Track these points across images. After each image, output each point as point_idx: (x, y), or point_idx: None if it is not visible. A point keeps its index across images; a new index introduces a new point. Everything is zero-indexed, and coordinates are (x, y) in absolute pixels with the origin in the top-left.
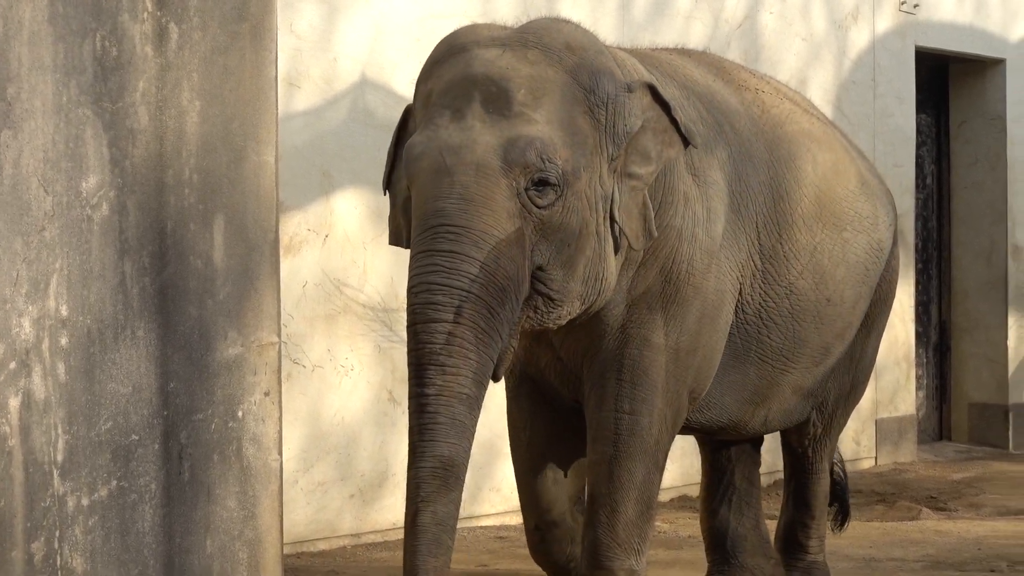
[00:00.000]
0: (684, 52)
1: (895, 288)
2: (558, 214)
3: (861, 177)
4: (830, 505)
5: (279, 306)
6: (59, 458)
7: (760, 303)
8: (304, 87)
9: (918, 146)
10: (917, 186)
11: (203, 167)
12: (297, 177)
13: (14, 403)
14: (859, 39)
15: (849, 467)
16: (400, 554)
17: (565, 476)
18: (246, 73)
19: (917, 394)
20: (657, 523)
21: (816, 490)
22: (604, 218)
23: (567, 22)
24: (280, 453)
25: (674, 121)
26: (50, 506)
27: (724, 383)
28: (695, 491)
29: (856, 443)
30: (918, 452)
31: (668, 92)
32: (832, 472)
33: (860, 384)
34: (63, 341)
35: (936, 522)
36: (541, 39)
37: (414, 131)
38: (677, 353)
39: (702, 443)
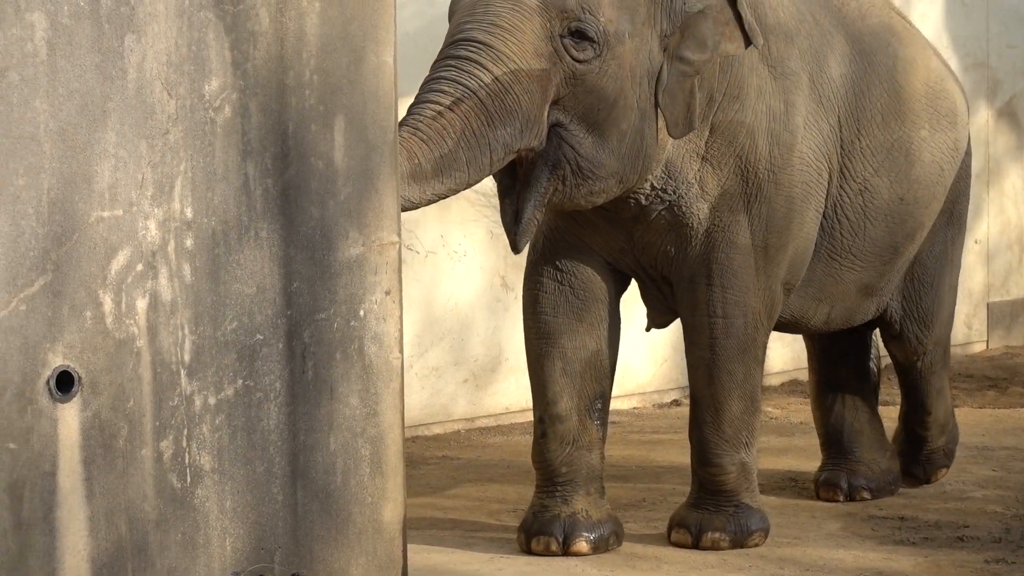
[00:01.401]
0: None
1: (970, 184)
2: (594, 74)
3: (940, 74)
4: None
5: (399, 206)
6: (186, 358)
7: (836, 199)
8: None
9: None
10: None
11: (323, 68)
12: (410, 65)
13: (141, 304)
14: None
15: (959, 351)
16: (513, 438)
17: (577, 369)
18: None
19: None
20: (768, 408)
21: (929, 388)
22: (648, 96)
23: None
24: (401, 351)
25: (739, 16)
26: (178, 405)
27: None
28: (805, 375)
29: (967, 327)
30: None
31: None
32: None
33: (953, 294)
34: (188, 243)
35: None
36: None
37: None
38: (766, 250)
39: (808, 337)
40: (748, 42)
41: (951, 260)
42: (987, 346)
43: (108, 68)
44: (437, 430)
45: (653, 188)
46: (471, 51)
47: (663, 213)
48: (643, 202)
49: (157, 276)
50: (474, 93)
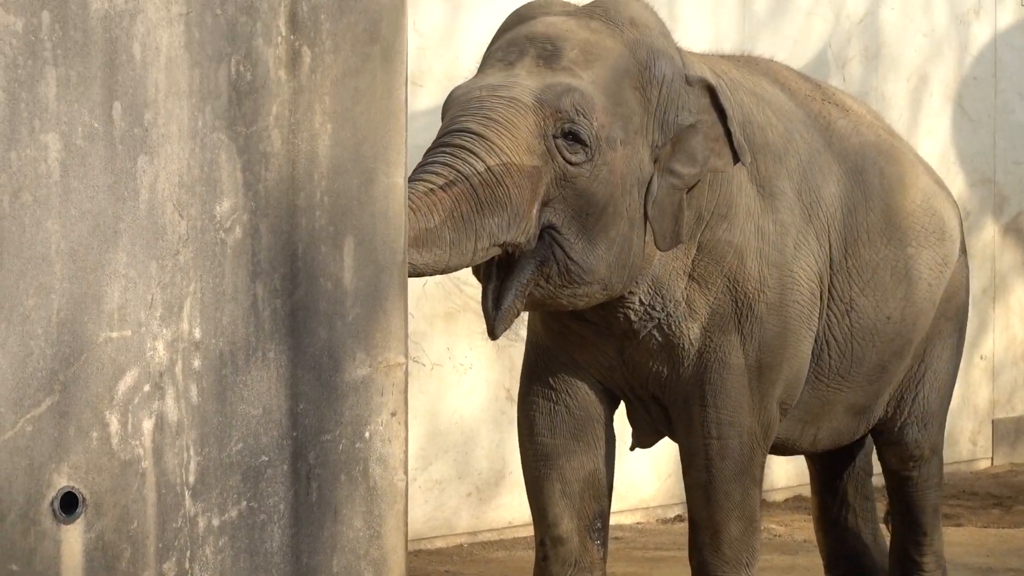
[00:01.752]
0: (751, 60)
1: (967, 299)
2: (584, 177)
3: (927, 190)
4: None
5: (406, 327)
6: (191, 479)
7: (824, 320)
8: (427, 85)
9: None
10: None
11: (334, 189)
12: None
13: (148, 425)
14: (980, 34)
15: (964, 468)
16: (516, 553)
17: (576, 490)
18: (377, 95)
19: None
20: (772, 525)
21: (925, 504)
22: (638, 206)
23: (638, 1)
24: (406, 473)
25: (728, 132)
26: (182, 527)
27: None
28: (808, 490)
29: (972, 443)
30: None
31: (729, 100)
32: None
33: (948, 402)
34: (196, 363)
35: None
36: (607, 11)
37: None
38: (760, 370)
39: (808, 457)
40: (736, 159)
41: (955, 369)
42: (992, 463)
43: (120, 189)
44: (440, 544)
45: (641, 303)
46: (465, 140)
47: (653, 332)
48: (632, 318)
49: (164, 397)
50: (467, 179)
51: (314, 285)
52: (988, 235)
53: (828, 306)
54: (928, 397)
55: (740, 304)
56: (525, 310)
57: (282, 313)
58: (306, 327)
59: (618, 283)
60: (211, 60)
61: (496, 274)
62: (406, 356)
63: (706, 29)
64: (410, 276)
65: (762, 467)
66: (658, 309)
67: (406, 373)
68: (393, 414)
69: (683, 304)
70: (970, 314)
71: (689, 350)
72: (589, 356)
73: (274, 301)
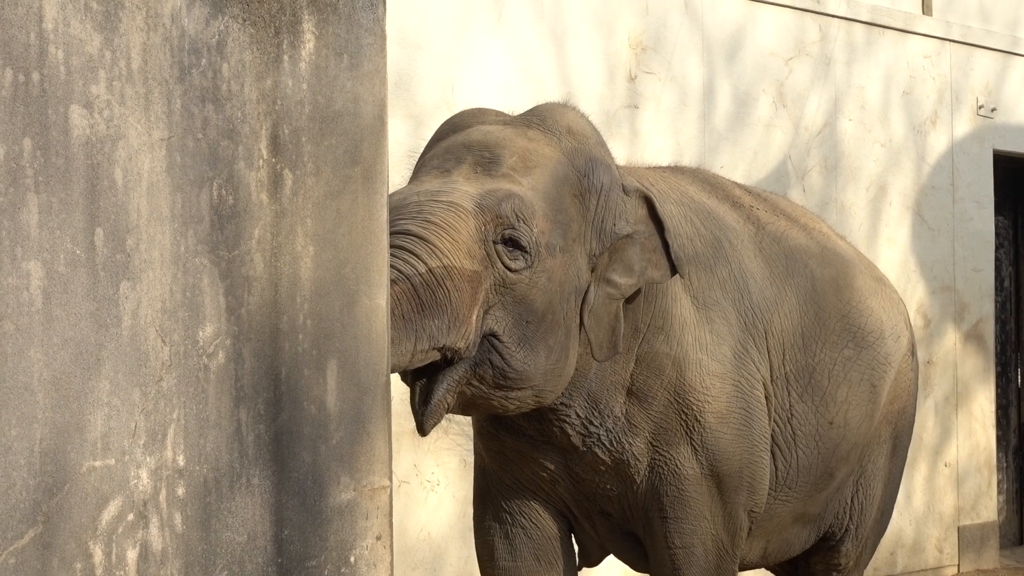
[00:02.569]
0: (678, 169)
1: (914, 400)
2: (524, 284)
3: (864, 290)
4: None
5: (390, 449)
6: None
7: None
8: None
9: (995, 249)
10: (995, 289)
11: (317, 312)
12: None
13: (132, 555)
14: (938, 144)
15: (932, 575)
16: None
17: None
18: (358, 216)
19: (997, 499)
20: None
21: None
22: (575, 313)
23: (574, 109)
24: None
25: (666, 244)
26: None
27: None
28: None
29: (939, 551)
30: (1000, 558)
31: (665, 210)
32: None
33: (888, 510)
34: (180, 491)
35: None
36: (544, 120)
37: None
38: (719, 479)
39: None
40: (674, 271)
41: (891, 475)
42: (958, 570)
43: (103, 316)
44: None
45: (578, 417)
46: (406, 242)
47: (595, 449)
48: (569, 432)
49: (148, 526)
50: (408, 279)
51: (298, 409)
52: (949, 342)
53: (770, 414)
54: (864, 505)
55: (686, 416)
56: (455, 412)
57: (266, 438)
58: (290, 452)
59: (550, 391)
60: (193, 184)
61: (425, 371)
62: (390, 479)
63: (666, 142)
64: None
65: (735, 570)
66: (596, 424)
67: (390, 496)
68: (378, 538)
69: (622, 420)
70: (933, 421)
71: (637, 466)
72: (529, 472)
73: (258, 426)
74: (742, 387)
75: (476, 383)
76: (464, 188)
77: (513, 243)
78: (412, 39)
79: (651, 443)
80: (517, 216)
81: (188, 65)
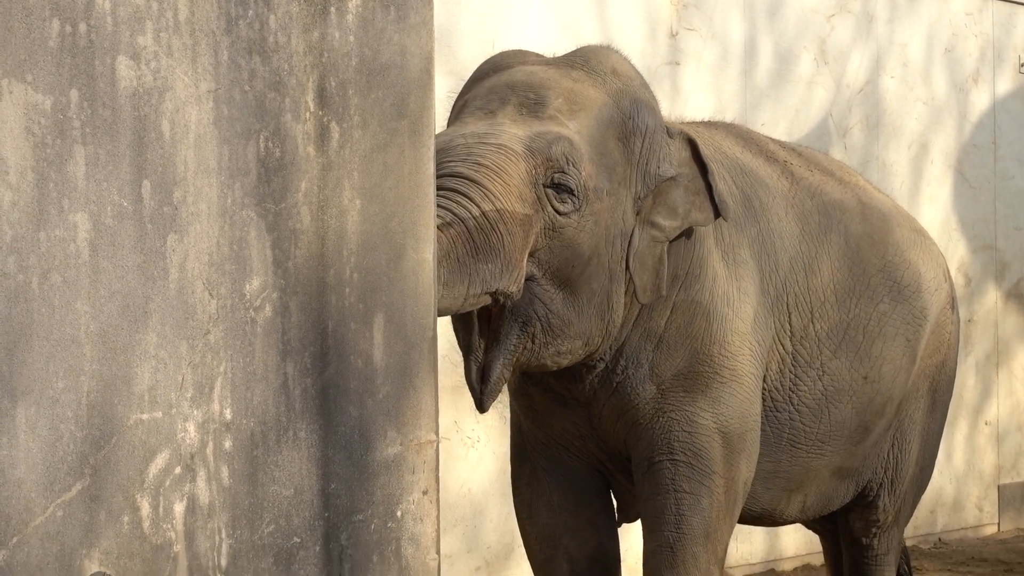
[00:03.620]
0: (713, 124)
1: (955, 354)
2: (572, 228)
3: (901, 243)
4: None
5: (437, 403)
6: (223, 563)
7: (791, 388)
8: None
9: None
10: None
11: (363, 266)
12: None
13: (179, 508)
14: (979, 101)
15: (971, 534)
16: None
17: (584, 567)
18: (405, 170)
19: None
20: None
21: None
22: (620, 258)
23: (617, 51)
24: (438, 552)
25: (709, 187)
26: None
27: (755, 472)
28: (818, 559)
29: (979, 509)
30: None
31: (708, 155)
32: (898, 566)
33: (928, 465)
34: (227, 445)
35: None
36: (588, 62)
37: None
38: (728, 436)
39: (818, 532)
40: (717, 214)
41: (930, 430)
42: (999, 529)
43: (150, 268)
44: None
45: (605, 367)
46: (459, 184)
47: (611, 398)
48: (592, 382)
49: (195, 479)
50: (463, 222)
51: (344, 363)
52: (990, 301)
53: (795, 373)
54: (899, 459)
55: (704, 366)
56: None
57: (312, 392)
58: (337, 406)
59: (597, 337)
60: (240, 137)
61: (479, 345)
62: (437, 433)
63: (708, 100)
64: None
65: (725, 549)
66: (619, 372)
67: (437, 451)
68: (424, 492)
69: (645, 366)
70: (974, 380)
71: (646, 409)
72: (560, 428)
73: (304, 380)
74: (755, 352)
75: (529, 345)
76: (512, 130)
77: (562, 187)
78: None
79: (667, 390)
80: (567, 159)
81: (235, 16)
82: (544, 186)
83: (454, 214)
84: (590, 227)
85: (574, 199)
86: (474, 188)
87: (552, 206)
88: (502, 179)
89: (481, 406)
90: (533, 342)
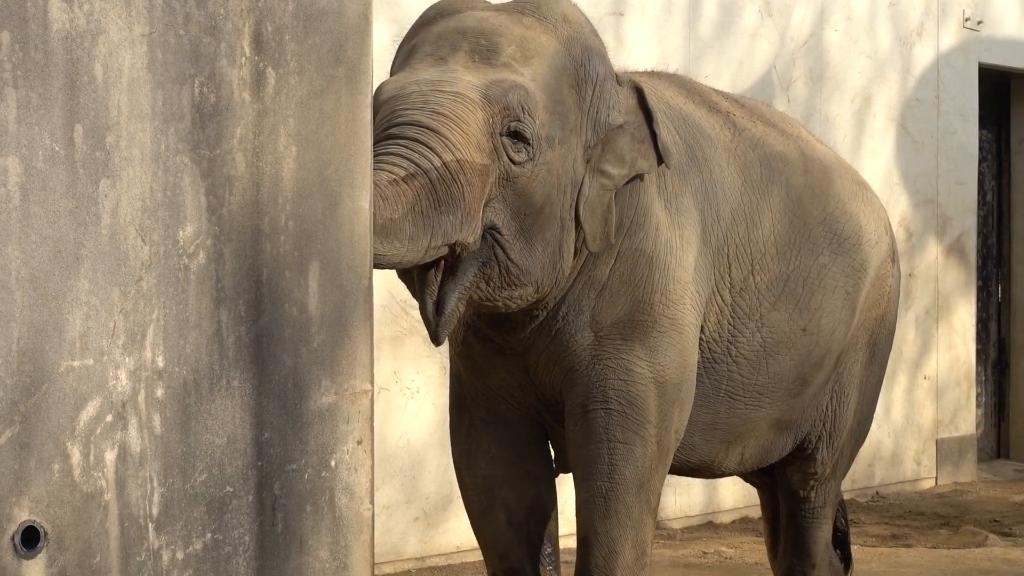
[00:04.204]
0: (655, 74)
1: (895, 308)
2: (525, 177)
3: (842, 195)
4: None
5: (372, 353)
6: (154, 511)
7: (729, 339)
8: None
9: (979, 163)
10: (978, 203)
11: (299, 213)
12: None
13: (110, 456)
14: (923, 56)
15: (909, 488)
16: None
17: (522, 518)
18: (342, 117)
19: (976, 412)
20: (721, 548)
21: (818, 535)
22: (570, 206)
23: None
24: (372, 503)
25: (654, 134)
26: (145, 560)
27: (692, 423)
28: (756, 512)
29: (917, 463)
30: (977, 472)
31: (653, 102)
32: (835, 519)
33: (866, 418)
34: (159, 392)
35: (1004, 549)
36: (538, 8)
37: None
38: (663, 386)
39: (756, 485)
40: (660, 161)
41: (868, 383)
42: (936, 483)
43: (82, 214)
44: (387, 569)
45: (546, 314)
46: (418, 133)
47: (549, 345)
48: (529, 329)
49: (127, 427)
50: (425, 173)
51: (279, 311)
52: (931, 255)
53: (734, 324)
54: (837, 412)
55: (643, 314)
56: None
57: (246, 340)
58: (271, 354)
59: (548, 285)
60: (174, 82)
61: (435, 279)
62: (372, 383)
63: (651, 51)
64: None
65: (658, 499)
66: (559, 319)
67: (372, 401)
68: (359, 442)
69: (586, 313)
70: (914, 334)
71: (583, 356)
72: (498, 379)
73: (238, 328)
74: (695, 301)
75: (483, 285)
76: (467, 78)
77: (518, 135)
78: None
79: (604, 337)
80: (523, 108)
81: None
82: (500, 135)
83: (417, 165)
84: (543, 176)
85: (528, 148)
86: (434, 137)
87: (507, 155)
88: (461, 128)
89: (436, 338)
90: (488, 284)
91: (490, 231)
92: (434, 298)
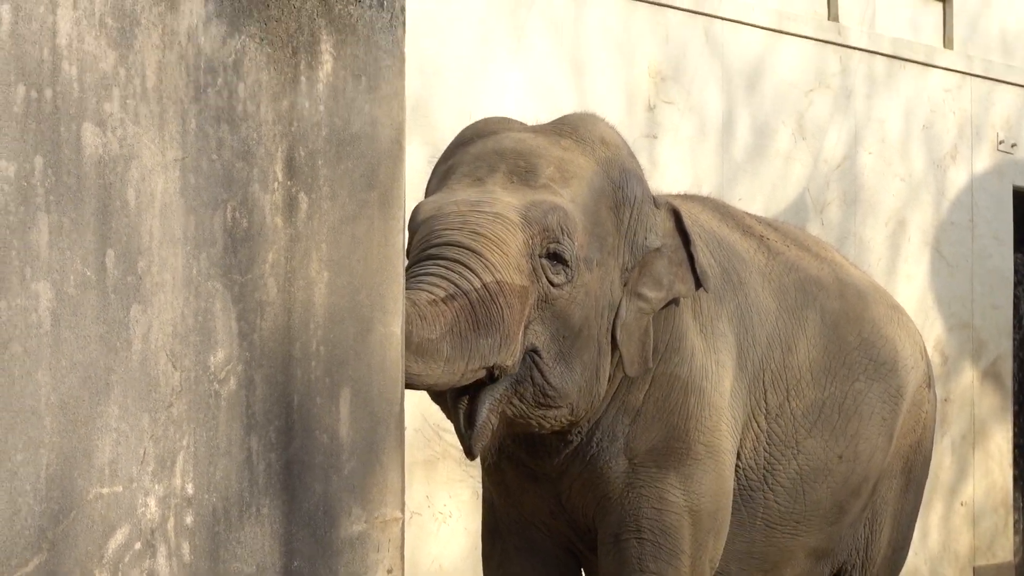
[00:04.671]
0: (689, 197)
1: (931, 434)
2: (564, 299)
3: (877, 320)
4: None
5: (403, 480)
6: None
7: (765, 466)
8: None
9: (1014, 286)
10: (1013, 326)
11: (330, 339)
12: None
13: None
14: (957, 179)
15: None
16: None
17: None
18: (374, 242)
19: (1014, 539)
20: None
21: None
22: (607, 329)
23: (603, 119)
24: None
25: (691, 257)
26: None
27: (728, 552)
28: None
29: None
30: None
31: (690, 226)
32: None
33: (902, 546)
34: (188, 520)
35: None
36: (576, 130)
37: None
38: (698, 515)
39: None
40: (698, 284)
41: (904, 510)
42: None
43: (112, 339)
44: None
45: (581, 438)
46: (458, 254)
47: (583, 472)
48: (564, 452)
49: (155, 555)
50: (465, 294)
51: (310, 438)
52: (967, 380)
53: (770, 451)
54: (870, 539)
55: (680, 441)
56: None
57: (277, 467)
58: (301, 481)
59: (583, 409)
60: (207, 207)
61: (467, 390)
62: (402, 511)
63: (685, 172)
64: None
65: None
66: (593, 445)
67: (402, 528)
68: (389, 571)
69: (620, 440)
70: (950, 460)
71: (617, 484)
72: (531, 506)
73: (269, 455)
74: (732, 427)
75: (516, 401)
76: (507, 199)
77: (557, 257)
78: (431, 65)
79: (639, 464)
80: (562, 229)
81: (204, 84)
82: (540, 256)
83: (456, 286)
84: (581, 298)
85: (567, 270)
86: (474, 258)
87: (547, 277)
88: (501, 249)
89: (470, 452)
90: (521, 400)
91: (530, 353)
92: (466, 411)
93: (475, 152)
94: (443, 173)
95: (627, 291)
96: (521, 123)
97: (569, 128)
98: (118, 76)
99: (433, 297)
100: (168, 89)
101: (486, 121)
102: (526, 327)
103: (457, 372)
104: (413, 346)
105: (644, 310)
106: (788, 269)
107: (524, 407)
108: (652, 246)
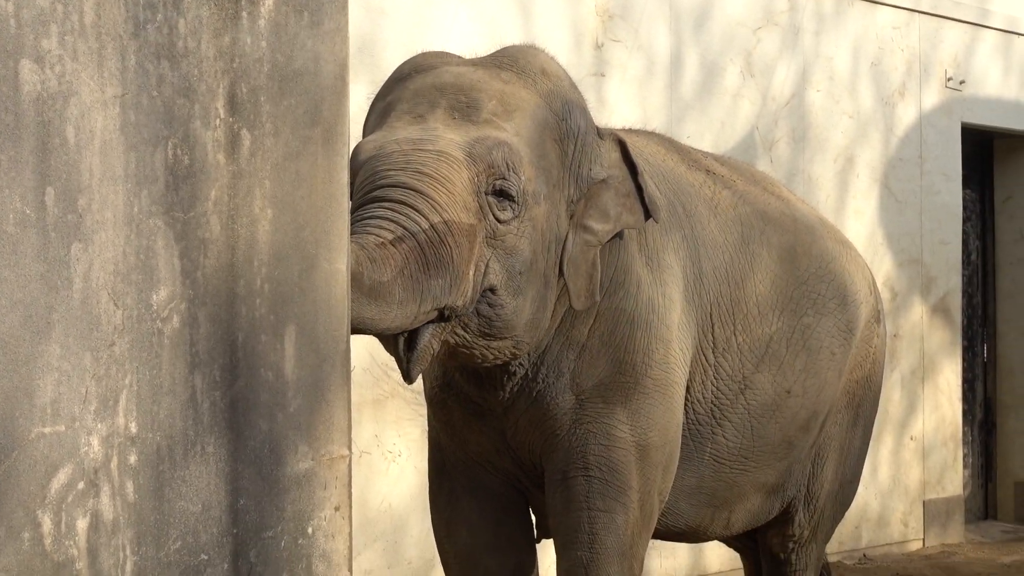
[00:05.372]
0: (637, 132)
1: (880, 369)
2: (512, 235)
3: (826, 255)
4: None
5: (349, 418)
6: None
7: (713, 401)
8: None
9: (963, 222)
10: (962, 262)
11: (274, 276)
12: None
13: (82, 524)
14: (906, 116)
15: (896, 549)
16: None
17: None
18: (318, 179)
19: (963, 473)
20: None
21: None
22: (555, 263)
23: (542, 50)
24: (350, 570)
25: (639, 188)
26: None
27: (677, 488)
28: (742, 574)
29: (904, 525)
30: (965, 532)
31: (637, 155)
32: None
33: (850, 480)
34: (132, 459)
35: None
36: (516, 62)
37: None
38: (645, 450)
39: (738, 550)
40: (648, 215)
41: (850, 446)
42: (924, 544)
43: (53, 278)
44: None
45: (524, 372)
46: (404, 195)
47: (529, 408)
48: (509, 388)
49: (99, 494)
50: (413, 236)
51: (254, 376)
52: (916, 315)
53: (717, 386)
54: (815, 473)
55: (625, 375)
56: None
57: (221, 405)
58: (246, 419)
59: (528, 342)
60: (147, 144)
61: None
62: (349, 448)
63: (633, 111)
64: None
65: (641, 563)
66: (539, 381)
67: (349, 466)
68: (337, 508)
69: (566, 375)
70: (899, 395)
71: (564, 420)
72: (477, 445)
73: (213, 393)
74: (678, 360)
75: (460, 331)
76: (449, 136)
77: (503, 193)
78: (376, 4)
79: (586, 399)
80: (508, 165)
81: (143, 20)
82: (486, 194)
83: (404, 228)
84: (529, 232)
85: (514, 206)
86: (420, 199)
87: (493, 214)
88: (447, 188)
89: (408, 376)
90: (466, 330)
91: (486, 292)
92: (406, 335)
93: (414, 88)
94: (382, 110)
95: (573, 224)
96: (459, 57)
97: (509, 60)
98: (55, 12)
99: (381, 240)
100: (107, 25)
101: (424, 55)
102: (486, 267)
103: (411, 314)
104: (365, 289)
105: (591, 242)
106: (737, 203)
107: (468, 336)
108: (598, 177)
